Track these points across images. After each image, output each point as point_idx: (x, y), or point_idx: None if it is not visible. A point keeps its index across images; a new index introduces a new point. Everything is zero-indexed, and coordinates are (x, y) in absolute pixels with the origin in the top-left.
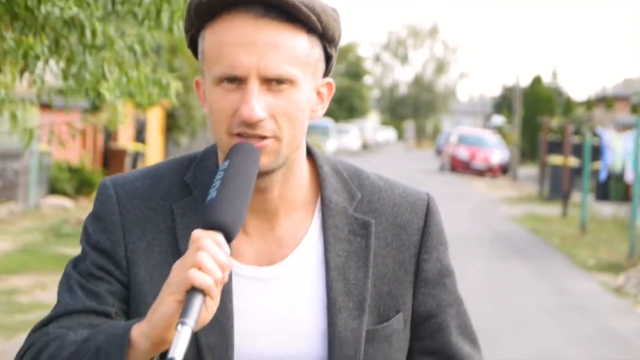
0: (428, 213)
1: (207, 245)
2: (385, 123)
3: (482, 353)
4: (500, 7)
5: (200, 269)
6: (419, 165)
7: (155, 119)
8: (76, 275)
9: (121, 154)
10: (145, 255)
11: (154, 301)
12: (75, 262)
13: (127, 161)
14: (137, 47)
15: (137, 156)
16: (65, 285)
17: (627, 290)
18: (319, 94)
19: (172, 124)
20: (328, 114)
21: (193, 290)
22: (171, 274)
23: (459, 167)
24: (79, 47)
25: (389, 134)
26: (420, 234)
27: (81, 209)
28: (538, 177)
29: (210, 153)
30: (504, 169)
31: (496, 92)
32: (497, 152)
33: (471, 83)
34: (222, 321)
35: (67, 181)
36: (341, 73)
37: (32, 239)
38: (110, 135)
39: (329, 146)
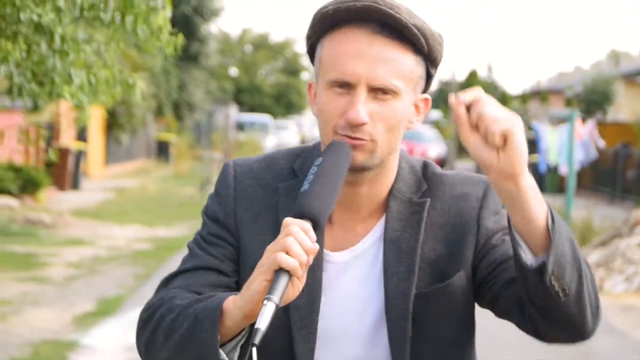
0: (487, 187)
1: (295, 231)
2: None
3: None
4: (436, 2)
5: (287, 252)
6: None
7: (96, 118)
8: (196, 242)
9: (64, 153)
10: (250, 225)
11: (254, 266)
12: (197, 233)
13: (70, 160)
14: (104, 49)
15: (79, 155)
16: (188, 252)
17: None
18: (416, 107)
19: (112, 123)
20: (266, 110)
21: (280, 270)
22: (263, 255)
23: None
24: (49, 52)
25: None
26: (479, 202)
27: (27, 208)
28: (474, 171)
29: (318, 146)
30: (441, 163)
31: (433, 86)
32: (434, 147)
33: None
34: (310, 287)
35: (11, 181)
36: (279, 69)
37: None
38: (52, 134)
39: (269, 142)
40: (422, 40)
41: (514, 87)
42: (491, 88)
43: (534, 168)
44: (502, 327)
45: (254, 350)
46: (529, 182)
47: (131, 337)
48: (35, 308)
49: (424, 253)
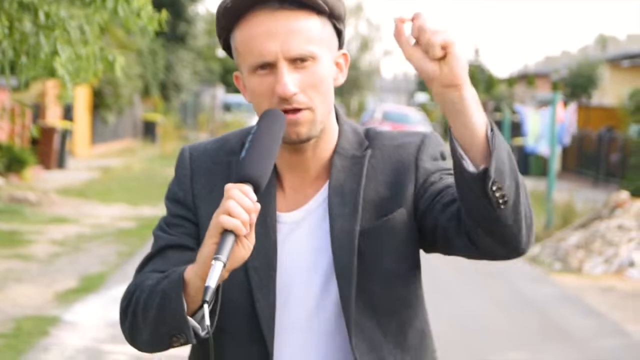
0: (425, 137)
1: (234, 194)
2: None
3: None
4: None
5: (229, 214)
6: None
7: (82, 97)
8: (159, 227)
9: (50, 132)
10: (208, 200)
11: None
12: (160, 219)
13: (56, 139)
14: (87, 27)
15: (65, 134)
16: (153, 239)
17: (542, 259)
18: (337, 64)
19: (99, 102)
20: None
21: (225, 232)
22: (211, 221)
23: None
24: (33, 29)
25: None
26: (417, 148)
27: (12, 186)
28: None
29: None
30: None
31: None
32: (420, 129)
33: (395, 61)
34: (267, 248)
35: None
36: None
37: None
38: (38, 113)
39: (255, 122)
40: (320, 1)
41: (501, 71)
42: (478, 71)
43: (519, 150)
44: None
45: (205, 306)
46: (471, 92)
47: (113, 314)
48: (18, 284)
49: (367, 195)
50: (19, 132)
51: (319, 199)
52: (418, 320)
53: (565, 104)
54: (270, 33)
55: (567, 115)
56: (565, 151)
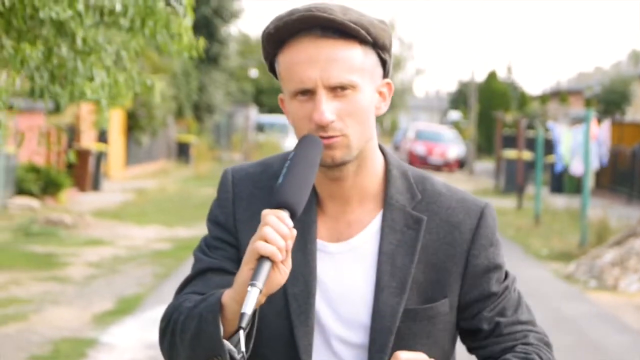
0: (481, 217)
1: (270, 220)
2: None
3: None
4: (454, 2)
5: (265, 240)
6: None
7: (116, 120)
8: (200, 248)
9: (85, 154)
10: (249, 224)
11: None
12: (201, 240)
13: (91, 161)
14: (124, 53)
15: (100, 156)
16: (194, 260)
17: (578, 277)
18: (380, 93)
19: (133, 124)
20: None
21: (261, 258)
22: (248, 247)
23: (416, 162)
24: (70, 54)
25: None
26: (472, 234)
27: (48, 208)
28: (494, 171)
29: None
30: (460, 164)
31: (452, 87)
32: (453, 147)
33: (427, 79)
34: (306, 275)
35: (33, 182)
36: None
37: (2, 238)
38: (73, 136)
39: (288, 143)
40: (362, 31)
41: (534, 88)
42: (511, 89)
43: (551, 169)
44: None
45: (241, 332)
46: None
47: (150, 335)
48: (55, 307)
49: (415, 273)
50: (54, 155)
51: (363, 237)
52: None
53: (599, 120)
54: (311, 60)
55: (601, 133)
56: (599, 168)
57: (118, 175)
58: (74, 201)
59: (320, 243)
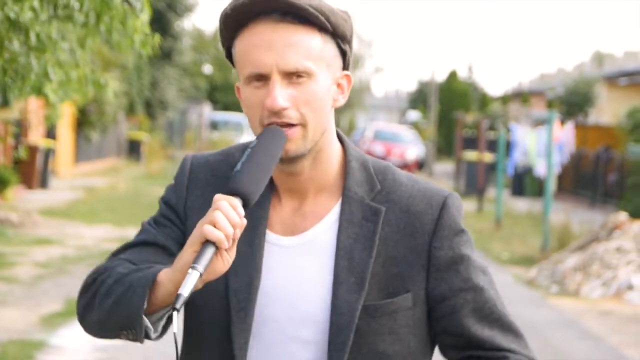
0: (443, 207)
1: (222, 206)
2: None
3: (522, 339)
4: (415, 1)
5: (214, 225)
6: None
7: (65, 115)
8: (149, 221)
9: (33, 150)
10: (199, 212)
11: None
12: (154, 215)
13: (39, 158)
14: (78, 50)
15: (48, 152)
16: (140, 229)
17: (539, 282)
18: (338, 85)
19: (83, 120)
20: (240, 109)
21: (207, 242)
22: (194, 229)
23: None
24: (23, 48)
25: None
26: (434, 224)
27: None
28: (454, 173)
29: None
30: (419, 165)
31: (412, 87)
32: (412, 148)
33: (386, 78)
34: (250, 270)
35: None
36: None
37: None
38: (20, 131)
39: (243, 141)
40: (322, 18)
41: (495, 88)
42: (472, 89)
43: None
44: None
45: (175, 313)
46: None
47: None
48: (1, 308)
49: (374, 268)
50: (1, 150)
51: (319, 229)
52: None
53: (562, 122)
54: (268, 44)
55: (564, 134)
56: (562, 171)
57: (67, 172)
58: (21, 199)
59: (274, 237)
